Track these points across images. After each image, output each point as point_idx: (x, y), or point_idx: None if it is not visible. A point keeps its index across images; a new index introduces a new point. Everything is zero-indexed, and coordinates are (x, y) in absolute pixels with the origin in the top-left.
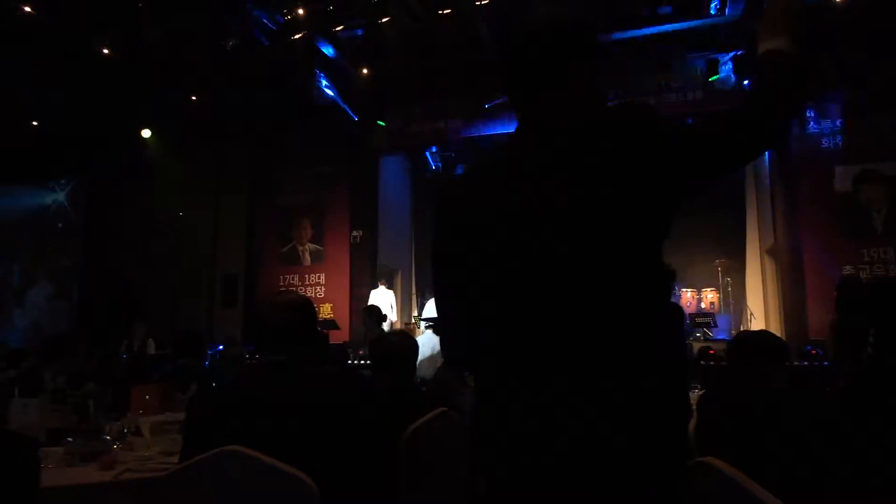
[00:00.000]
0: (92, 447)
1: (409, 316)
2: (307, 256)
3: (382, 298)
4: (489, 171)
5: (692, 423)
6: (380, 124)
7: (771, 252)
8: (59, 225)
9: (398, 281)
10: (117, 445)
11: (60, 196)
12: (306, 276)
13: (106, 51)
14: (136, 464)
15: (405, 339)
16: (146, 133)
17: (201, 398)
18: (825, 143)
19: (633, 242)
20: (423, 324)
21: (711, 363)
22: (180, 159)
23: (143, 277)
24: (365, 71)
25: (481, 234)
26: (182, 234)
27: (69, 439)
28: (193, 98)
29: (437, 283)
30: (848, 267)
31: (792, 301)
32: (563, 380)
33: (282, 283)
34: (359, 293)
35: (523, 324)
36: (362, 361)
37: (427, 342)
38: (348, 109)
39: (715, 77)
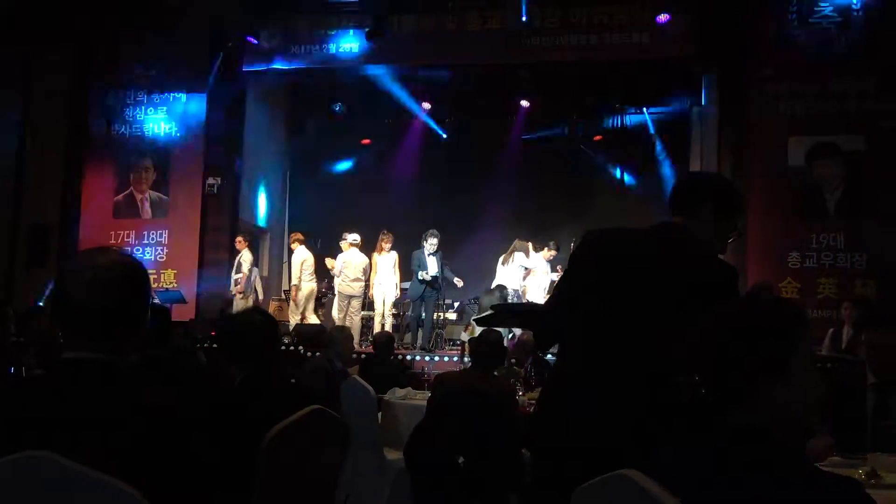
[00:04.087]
0: None
1: (280, 288)
2: (147, 208)
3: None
4: (623, 239)
5: None
6: (251, 42)
7: None
8: None
9: (265, 244)
10: None
11: None
12: (145, 232)
13: None
14: None
15: (263, 320)
16: None
17: None
18: (782, 108)
19: (661, 331)
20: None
21: None
22: None
23: None
24: None
25: (595, 274)
26: None
27: None
28: None
29: (560, 281)
30: (794, 253)
31: None
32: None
33: (113, 241)
34: (212, 257)
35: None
36: (214, 345)
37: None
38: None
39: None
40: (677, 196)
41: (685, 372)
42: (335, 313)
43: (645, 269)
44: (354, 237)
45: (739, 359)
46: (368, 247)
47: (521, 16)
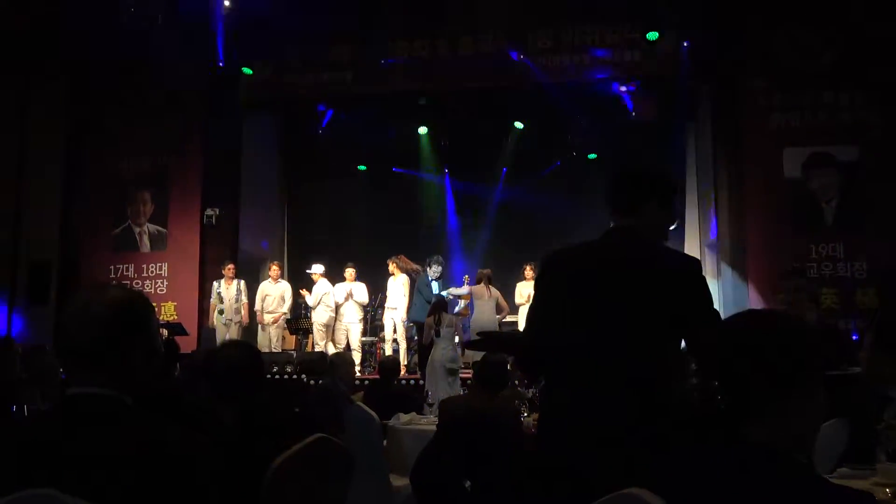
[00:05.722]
0: None
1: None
2: (145, 240)
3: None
4: (581, 253)
5: None
6: (246, 73)
7: (711, 246)
8: None
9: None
10: None
11: None
12: (144, 266)
13: None
14: None
15: (246, 353)
16: None
17: None
18: (776, 119)
19: (644, 335)
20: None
21: None
22: None
23: None
24: (228, 3)
25: (564, 293)
26: None
27: None
28: None
29: (531, 309)
30: (794, 264)
31: (734, 299)
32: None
33: (113, 276)
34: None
35: (574, 364)
36: None
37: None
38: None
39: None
40: (620, 196)
41: (700, 378)
42: (320, 341)
43: (613, 277)
44: (319, 267)
45: (746, 376)
46: (372, 272)
47: None
